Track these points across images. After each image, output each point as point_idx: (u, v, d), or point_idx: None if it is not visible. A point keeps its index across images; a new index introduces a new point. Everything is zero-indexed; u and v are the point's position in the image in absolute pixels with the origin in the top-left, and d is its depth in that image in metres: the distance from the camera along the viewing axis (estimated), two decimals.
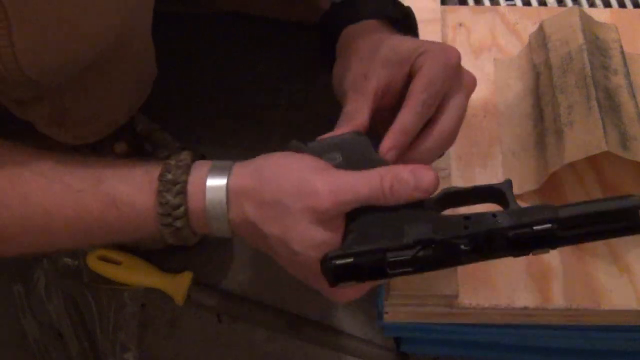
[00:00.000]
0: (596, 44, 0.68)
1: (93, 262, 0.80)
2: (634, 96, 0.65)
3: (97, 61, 0.57)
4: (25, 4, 0.47)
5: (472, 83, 0.57)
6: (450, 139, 0.55)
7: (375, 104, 0.55)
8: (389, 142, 0.52)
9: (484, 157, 0.68)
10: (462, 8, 0.79)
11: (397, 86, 0.56)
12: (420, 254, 0.47)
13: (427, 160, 0.55)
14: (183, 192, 0.49)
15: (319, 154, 0.52)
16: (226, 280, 0.81)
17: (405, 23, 0.63)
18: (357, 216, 0.49)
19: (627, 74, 0.67)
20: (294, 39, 0.90)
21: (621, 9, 0.84)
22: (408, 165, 0.49)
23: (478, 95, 0.72)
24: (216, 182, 0.49)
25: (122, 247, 0.81)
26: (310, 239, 0.47)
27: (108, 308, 0.79)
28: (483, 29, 0.76)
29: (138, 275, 0.80)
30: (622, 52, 0.68)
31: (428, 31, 0.73)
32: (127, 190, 0.50)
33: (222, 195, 0.49)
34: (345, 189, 0.47)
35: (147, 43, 0.65)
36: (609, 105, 0.63)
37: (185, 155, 0.51)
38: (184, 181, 0.49)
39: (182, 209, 0.49)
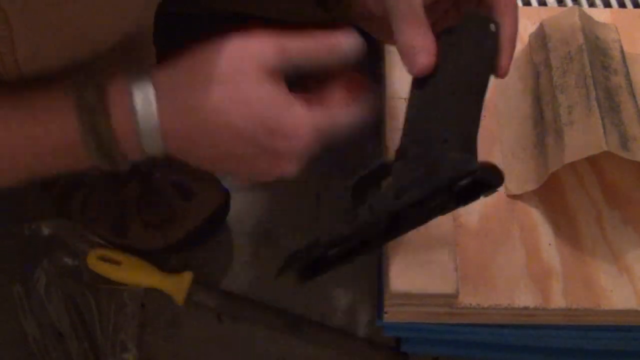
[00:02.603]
0: (596, 44, 0.68)
1: (93, 262, 0.80)
2: (634, 96, 0.65)
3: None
4: (28, 9, 0.47)
5: None
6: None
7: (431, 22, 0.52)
8: (507, 61, 0.52)
9: (484, 157, 0.68)
10: None
11: None
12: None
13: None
14: (100, 87, 0.47)
15: None
16: (226, 280, 0.81)
17: None
18: None
19: (627, 74, 0.67)
20: None
21: (621, 9, 0.84)
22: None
23: None
24: (140, 79, 0.47)
25: (122, 247, 0.81)
26: (265, 93, 0.46)
27: (108, 308, 0.79)
28: None
29: (138, 275, 0.80)
30: (622, 52, 0.68)
31: None
32: (46, 103, 0.48)
33: (149, 87, 0.47)
34: (290, 42, 0.47)
35: (149, 45, 0.66)
36: (609, 105, 0.63)
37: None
38: (100, 81, 0.47)
39: (100, 105, 0.46)
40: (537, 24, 0.72)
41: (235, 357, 0.77)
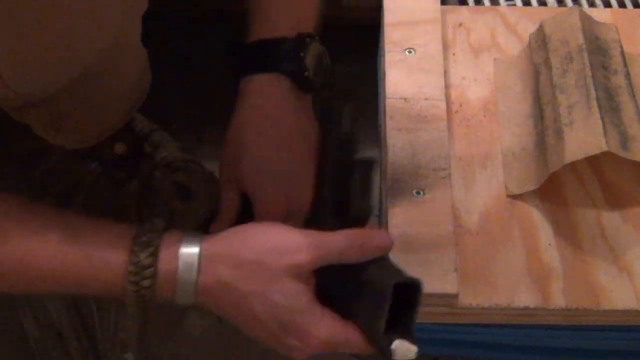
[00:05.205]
0: (596, 44, 0.68)
1: None
2: (634, 96, 0.65)
3: (88, 72, 0.58)
4: (11, 32, 0.47)
5: None
6: None
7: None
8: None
9: (484, 157, 0.68)
10: (462, 8, 0.79)
11: None
12: None
13: None
14: (155, 255, 0.52)
15: None
16: None
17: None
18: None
19: (627, 74, 0.67)
20: None
21: (621, 9, 0.84)
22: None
23: (478, 95, 0.72)
24: (189, 249, 0.53)
25: None
26: (290, 291, 0.50)
27: (108, 308, 0.79)
28: (483, 29, 0.77)
29: None
30: (622, 52, 0.68)
31: (428, 31, 0.73)
32: (102, 246, 0.53)
33: (195, 259, 0.52)
34: (325, 244, 0.51)
35: (138, 49, 0.66)
36: (609, 105, 0.63)
37: (158, 222, 0.55)
38: (157, 245, 0.53)
39: (151, 269, 0.52)
40: (537, 24, 0.72)
41: (235, 357, 0.77)
